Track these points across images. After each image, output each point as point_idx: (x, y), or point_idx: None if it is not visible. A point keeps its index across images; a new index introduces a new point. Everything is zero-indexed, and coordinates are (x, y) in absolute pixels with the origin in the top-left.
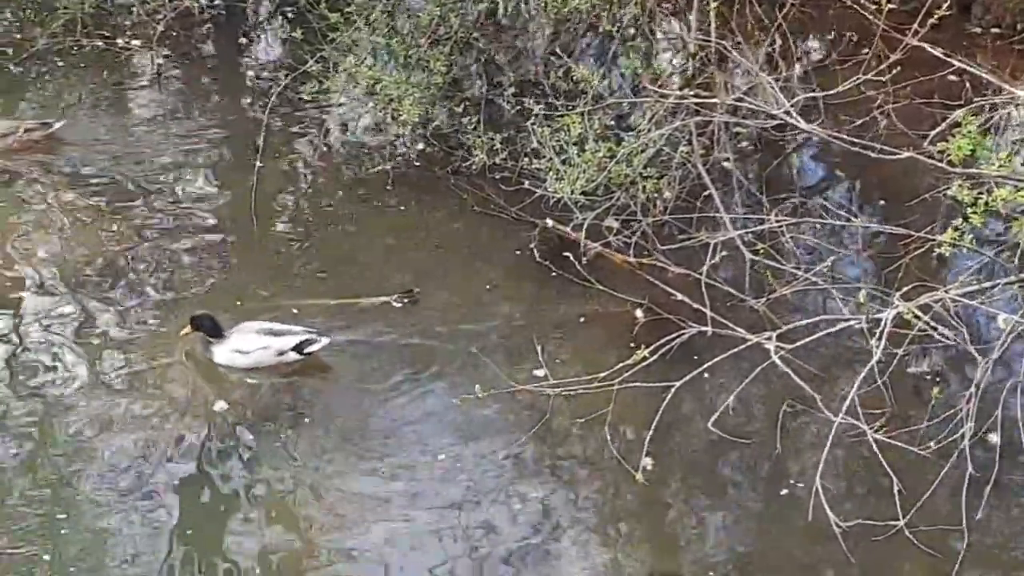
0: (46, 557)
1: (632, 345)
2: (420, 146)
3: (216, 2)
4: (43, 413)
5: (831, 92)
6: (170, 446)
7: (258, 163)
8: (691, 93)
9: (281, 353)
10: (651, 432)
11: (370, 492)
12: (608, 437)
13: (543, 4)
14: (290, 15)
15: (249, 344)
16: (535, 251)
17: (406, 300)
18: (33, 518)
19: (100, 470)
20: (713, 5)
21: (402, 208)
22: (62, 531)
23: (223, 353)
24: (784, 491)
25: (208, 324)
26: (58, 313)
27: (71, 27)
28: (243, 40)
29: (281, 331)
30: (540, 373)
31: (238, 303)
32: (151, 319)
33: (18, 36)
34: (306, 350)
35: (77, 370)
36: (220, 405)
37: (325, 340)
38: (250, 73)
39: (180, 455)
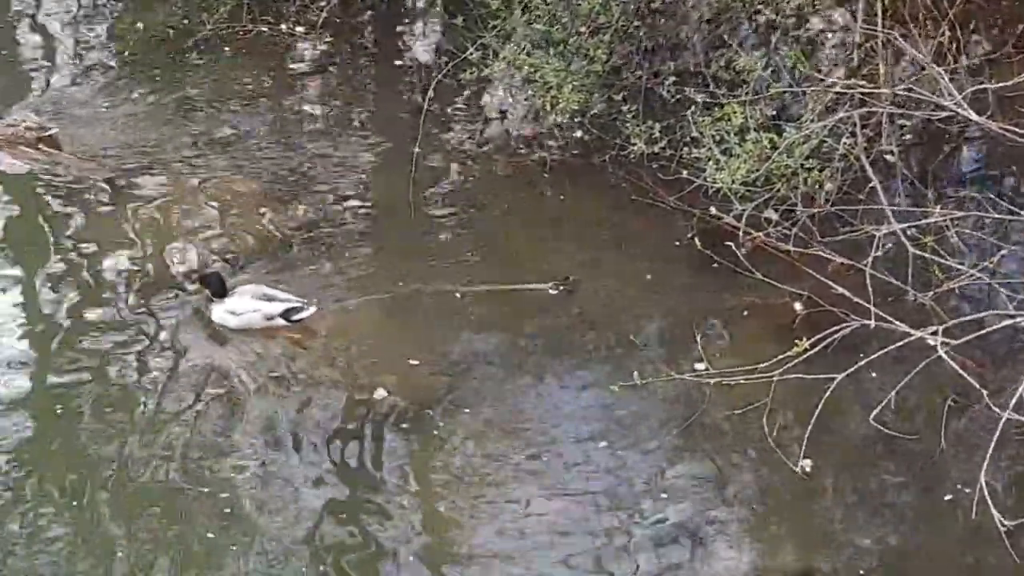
0: (210, 535)
1: (793, 338)
2: (578, 134)
3: None
4: (206, 389)
5: (1005, 84)
6: (328, 429)
7: (416, 149)
8: (857, 83)
9: (269, 318)
10: (811, 425)
11: (522, 478)
12: (765, 429)
13: None
14: (449, 3)
15: (242, 306)
16: (696, 240)
17: (562, 287)
18: (202, 496)
19: (258, 447)
20: None
21: (559, 196)
22: (226, 510)
23: (218, 312)
24: (946, 489)
25: (215, 283)
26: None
27: (237, 13)
28: (403, 27)
29: (273, 297)
30: (699, 364)
31: (399, 284)
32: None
33: (186, 22)
34: (293, 317)
35: (236, 350)
36: (380, 392)
37: (312, 309)
38: (409, 60)
39: (338, 438)
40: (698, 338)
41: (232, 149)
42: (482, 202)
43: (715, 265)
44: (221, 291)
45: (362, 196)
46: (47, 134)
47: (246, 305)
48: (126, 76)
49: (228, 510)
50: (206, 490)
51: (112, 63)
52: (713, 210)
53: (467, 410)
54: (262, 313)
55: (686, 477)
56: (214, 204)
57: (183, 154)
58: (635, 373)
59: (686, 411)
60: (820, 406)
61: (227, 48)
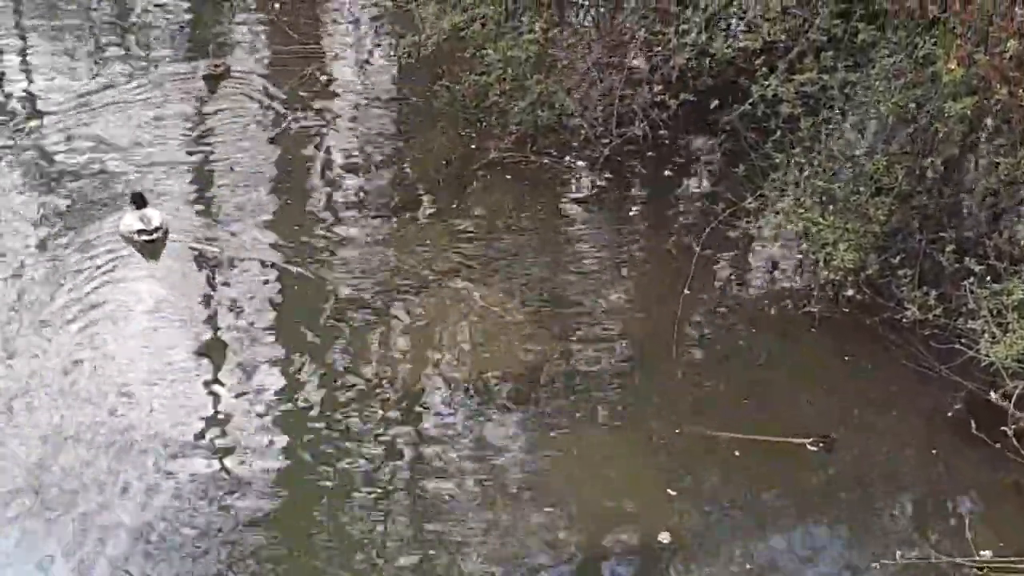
0: None
1: None
2: (849, 292)
3: (662, 132)
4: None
5: None
6: (585, 552)
7: (686, 291)
8: None
9: (131, 231)
10: None
11: None
12: None
13: (992, 164)
14: (729, 150)
15: (128, 219)
16: (968, 415)
17: (822, 445)
18: None
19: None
20: None
21: (826, 352)
22: None
23: (123, 217)
24: None
25: (137, 198)
26: (463, 417)
27: (521, 144)
28: (681, 171)
29: (145, 219)
30: (962, 543)
31: (676, 431)
32: (558, 434)
33: (473, 147)
34: (143, 237)
35: (476, 483)
36: (664, 536)
37: (158, 234)
38: (684, 203)
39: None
40: (966, 520)
41: (498, 275)
42: (746, 350)
43: (982, 441)
44: (139, 204)
45: (624, 330)
46: (219, 70)
47: (131, 219)
48: (407, 193)
49: None
50: None
51: (395, 182)
52: (996, 385)
53: (709, 556)
54: (132, 228)
55: None
56: (475, 326)
57: (448, 274)
58: (897, 553)
59: None
60: None
61: (508, 176)
